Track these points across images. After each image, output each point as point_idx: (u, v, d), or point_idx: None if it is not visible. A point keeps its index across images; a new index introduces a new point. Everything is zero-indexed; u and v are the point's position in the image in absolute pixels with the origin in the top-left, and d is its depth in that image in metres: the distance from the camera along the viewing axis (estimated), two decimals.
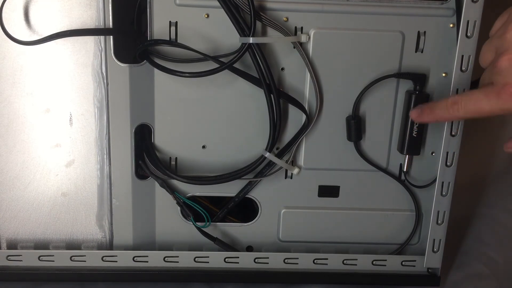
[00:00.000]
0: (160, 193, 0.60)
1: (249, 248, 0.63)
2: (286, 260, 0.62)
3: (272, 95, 0.55)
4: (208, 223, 0.60)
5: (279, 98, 0.55)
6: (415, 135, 0.58)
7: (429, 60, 0.57)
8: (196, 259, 0.61)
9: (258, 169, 0.59)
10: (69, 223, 0.60)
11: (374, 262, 0.62)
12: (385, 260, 0.62)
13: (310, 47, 0.55)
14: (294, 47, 0.55)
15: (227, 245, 0.61)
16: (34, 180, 0.59)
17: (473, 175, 0.85)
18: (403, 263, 0.63)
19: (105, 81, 0.56)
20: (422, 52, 0.56)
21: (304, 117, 0.58)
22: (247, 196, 0.61)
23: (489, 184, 0.84)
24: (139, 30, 0.57)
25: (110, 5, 0.53)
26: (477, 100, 0.48)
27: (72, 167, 0.58)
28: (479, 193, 0.83)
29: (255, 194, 0.61)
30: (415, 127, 0.57)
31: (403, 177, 0.61)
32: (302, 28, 0.55)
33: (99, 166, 0.59)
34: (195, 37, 0.55)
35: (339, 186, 0.61)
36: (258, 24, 0.54)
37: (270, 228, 0.62)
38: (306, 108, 0.58)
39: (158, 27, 0.54)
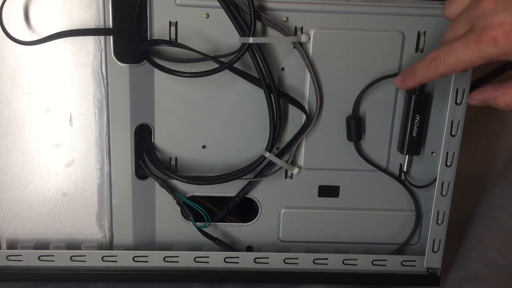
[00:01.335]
0: (160, 193, 0.60)
1: (249, 248, 0.63)
2: (286, 260, 0.62)
3: (272, 95, 0.55)
4: (208, 223, 0.60)
5: (279, 98, 0.55)
6: (415, 135, 0.58)
7: None
8: (196, 259, 0.61)
9: (258, 169, 0.59)
10: (69, 223, 0.60)
11: (374, 262, 0.62)
12: (385, 260, 0.62)
13: (310, 47, 0.55)
14: (294, 47, 0.55)
15: (227, 245, 0.61)
16: (34, 180, 0.59)
17: (473, 175, 0.85)
18: (403, 263, 0.63)
19: (105, 81, 0.56)
20: (422, 52, 0.56)
21: (304, 117, 0.58)
22: (247, 196, 0.61)
23: (489, 184, 0.84)
24: (139, 30, 0.57)
25: (110, 5, 0.53)
26: (456, 50, 0.45)
27: (72, 167, 0.59)
28: (479, 193, 0.83)
29: (255, 194, 0.61)
30: (415, 127, 0.57)
31: (403, 177, 0.61)
32: (302, 28, 0.55)
33: (99, 166, 0.59)
34: (195, 37, 0.55)
35: (339, 186, 0.61)
36: (258, 24, 0.54)
37: (270, 228, 0.62)
38: (306, 108, 0.58)
39: (158, 27, 0.54)
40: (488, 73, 0.63)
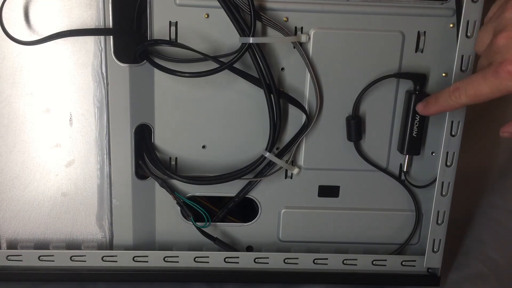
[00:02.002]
0: (160, 193, 0.60)
1: (249, 248, 0.63)
2: (286, 260, 0.62)
3: (272, 95, 0.55)
4: (208, 223, 0.60)
5: (279, 98, 0.55)
6: (415, 135, 0.58)
7: (429, 60, 0.57)
8: (196, 259, 0.61)
9: (258, 169, 0.59)
10: (69, 223, 0.60)
11: (374, 262, 0.62)
12: (385, 260, 0.62)
13: (310, 47, 0.55)
14: (294, 47, 0.55)
15: (227, 245, 0.61)
16: (34, 180, 0.59)
17: (473, 175, 0.85)
18: (403, 263, 0.63)
19: (105, 81, 0.56)
20: (422, 52, 0.56)
21: (304, 117, 0.58)
22: (247, 196, 0.61)
23: (489, 184, 0.85)
24: (139, 30, 0.57)
25: (110, 5, 0.53)
26: (476, 83, 0.47)
27: (72, 167, 0.59)
28: (479, 193, 0.83)
29: (255, 194, 0.61)
30: (415, 127, 0.57)
31: (403, 177, 0.61)
32: (302, 28, 0.55)
33: (99, 166, 0.59)
34: (195, 37, 0.55)
35: (339, 186, 0.61)
36: (258, 24, 0.54)
37: (270, 228, 0.62)
38: (306, 108, 0.58)
39: (158, 27, 0.54)
40: None
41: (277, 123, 0.56)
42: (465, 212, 0.78)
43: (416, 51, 0.56)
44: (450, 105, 0.51)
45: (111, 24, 0.54)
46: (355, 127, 0.58)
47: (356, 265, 0.62)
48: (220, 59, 0.53)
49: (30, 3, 0.53)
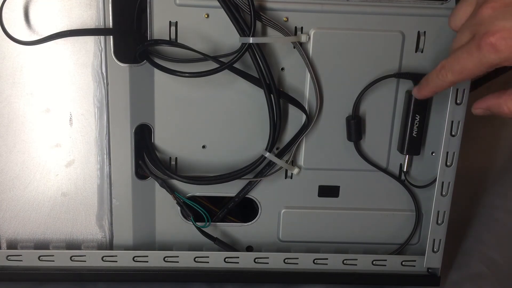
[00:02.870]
0: (160, 193, 0.60)
1: (249, 248, 0.63)
2: (286, 260, 0.62)
3: (272, 95, 0.55)
4: (208, 223, 0.60)
5: (279, 98, 0.55)
6: (415, 135, 0.58)
7: (429, 60, 0.57)
8: (196, 259, 0.61)
9: (258, 169, 0.59)
10: (69, 223, 0.60)
11: (374, 262, 0.62)
12: (385, 260, 0.62)
13: (310, 47, 0.55)
14: (294, 47, 0.55)
15: (227, 245, 0.61)
16: (34, 180, 0.59)
17: (473, 175, 0.85)
18: (403, 263, 0.63)
19: (105, 81, 0.56)
20: (422, 52, 0.56)
21: (304, 117, 0.58)
22: (247, 196, 0.61)
23: (489, 184, 0.85)
24: (139, 30, 0.57)
25: (110, 5, 0.53)
26: (461, 58, 0.45)
27: (72, 167, 0.59)
28: (479, 193, 0.83)
29: (255, 194, 0.61)
30: (415, 127, 0.57)
31: (403, 177, 0.61)
32: (302, 28, 0.55)
33: (99, 166, 0.59)
34: (195, 37, 0.55)
35: (339, 186, 0.61)
36: (258, 24, 0.54)
37: (270, 228, 0.62)
38: (306, 108, 0.58)
39: (158, 27, 0.54)
40: (488, 73, 0.63)
41: (277, 123, 0.56)
42: (465, 212, 0.78)
43: (416, 51, 0.56)
44: (439, 85, 0.49)
45: (111, 24, 0.54)
46: (355, 127, 0.58)
47: (356, 265, 0.62)
48: (220, 59, 0.53)
49: (30, 3, 0.53)
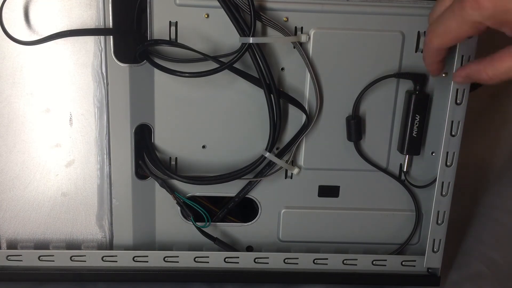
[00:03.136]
0: (160, 193, 0.60)
1: (249, 248, 0.63)
2: (286, 260, 0.62)
3: (272, 95, 0.55)
4: (208, 223, 0.60)
5: (279, 98, 0.55)
6: (415, 135, 0.58)
7: None
8: (196, 259, 0.61)
9: (258, 169, 0.59)
10: (69, 223, 0.60)
11: (374, 262, 0.62)
12: (385, 260, 0.62)
13: (310, 47, 0.55)
14: (294, 47, 0.55)
15: (227, 245, 0.61)
16: (34, 180, 0.59)
17: (473, 175, 0.85)
18: (403, 263, 0.63)
19: (105, 81, 0.56)
20: (422, 52, 0.56)
21: (304, 117, 0.58)
22: (247, 196, 0.61)
23: (489, 184, 0.85)
24: (139, 30, 0.57)
25: (110, 5, 0.53)
26: (443, 19, 0.45)
27: (72, 167, 0.59)
28: (479, 193, 0.83)
29: (255, 194, 0.61)
30: (415, 127, 0.57)
31: (403, 177, 0.61)
32: (302, 28, 0.55)
33: (99, 166, 0.59)
34: (195, 37, 0.55)
35: (339, 186, 0.61)
36: (258, 24, 0.54)
37: (270, 228, 0.62)
38: (306, 108, 0.58)
39: (158, 27, 0.54)
40: None
41: (277, 123, 0.56)
42: (465, 212, 0.78)
43: (416, 51, 0.56)
44: (429, 52, 0.49)
45: (111, 24, 0.54)
46: (355, 127, 0.58)
47: (356, 265, 0.62)
48: (220, 59, 0.53)
49: (30, 3, 0.53)
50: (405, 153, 0.59)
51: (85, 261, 0.60)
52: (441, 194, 0.60)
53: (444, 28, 0.45)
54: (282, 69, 0.56)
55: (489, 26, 0.43)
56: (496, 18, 0.42)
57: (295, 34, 0.55)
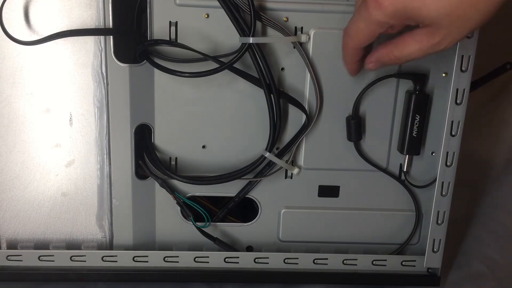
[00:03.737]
0: (160, 193, 0.60)
1: (249, 248, 0.63)
2: (286, 260, 0.62)
3: (272, 95, 0.55)
4: (208, 223, 0.60)
5: (279, 98, 0.55)
6: (415, 135, 0.58)
7: (429, 60, 0.57)
8: (196, 259, 0.61)
9: (258, 169, 0.59)
10: (69, 223, 0.60)
11: (374, 262, 0.62)
12: (385, 260, 0.62)
13: (310, 47, 0.55)
14: (294, 47, 0.55)
15: (227, 245, 0.61)
16: (34, 180, 0.59)
17: (474, 175, 0.85)
18: (403, 263, 0.63)
19: (105, 81, 0.56)
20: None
21: (304, 117, 0.58)
22: (247, 196, 0.61)
23: (489, 184, 0.85)
24: (139, 30, 0.57)
25: (110, 5, 0.53)
26: (353, 21, 0.47)
27: (72, 167, 0.59)
28: (479, 193, 0.83)
29: (255, 194, 0.61)
30: (415, 127, 0.57)
31: (403, 177, 0.61)
32: (302, 28, 0.55)
33: (99, 166, 0.59)
34: (195, 37, 0.55)
35: (339, 186, 0.61)
36: (258, 24, 0.54)
37: (270, 228, 0.62)
38: (306, 108, 0.58)
39: (158, 27, 0.54)
40: (488, 73, 0.63)
41: (277, 123, 0.56)
42: (465, 212, 0.78)
43: None
44: (347, 54, 0.51)
45: (111, 24, 0.54)
46: (355, 127, 0.58)
47: (356, 265, 0.62)
48: (220, 59, 0.53)
49: (30, 3, 0.53)
50: (405, 153, 0.59)
51: (85, 261, 0.60)
52: (441, 194, 0.60)
53: (355, 29, 0.47)
54: (282, 69, 0.56)
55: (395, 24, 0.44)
56: (398, 16, 0.43)
57: (295, 34, 0.55)
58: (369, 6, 0.44)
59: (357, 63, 0.52)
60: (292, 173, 0.60)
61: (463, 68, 0.55)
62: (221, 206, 0.62)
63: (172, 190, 0.59)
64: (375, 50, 0.49)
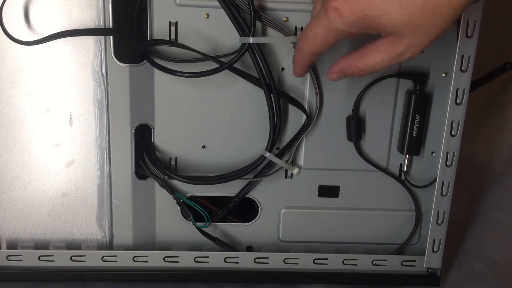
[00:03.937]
0: (160, 193, 0.60)
1: (249, 248, 0.63)
2: (286, 260, 0.62)
3: (272, 95, 0.55)
4: (208, 223, 0.60)
5: (279, 98, 0.55)
6: (415, 135, 0.58)
7: (429, 60, 0.57)
8: (196, 259, 0.61)
9: (258, 169, 0.59)
10: (69, 223, 0.60)
11: (374, 262, 0.62)
12: (385, 260, 0.62)
13: None
14: (294, 47, 0.55)
15: (227, 245, 0.61)
16: (34, 180, 0.59)
17: (474, 175, 0.85)
18: (403, 263, 0.63)
19: (105, 81, 0.56)
20: (422, 52, 0.56)
21: (304, 117, 0.58)
22: (247, 196, 0.61)
23: (490, 184, 0.85)
24: (139, 30, 0.57)
25: (110, 5, 0.53)
26: (312, 26, 0.45)
27: (72, 167, 0.59)
28: (479, 193, 0.83)
29: (255, 194, 0.61)
30: (415, 127, 0.57)
31: (403, 177, 0.61)
32: (302, 28, 0.55)
33: (99, 166, 0.59)
34: (195, 37, 0.55)
35: (339, 186, 0.61)
36: (258, 24, 0.54)
37: (270, 228, 0.62)
38: (306, 108, 0.58)
39: (158, 27, 0.54)
40: (488, 73, 0.63)
41: (277, 123, 0.56)
42: (465, 212, 0.78)
43: None
44: (301, 57, 0.49)
45: (111, 24, 0.54)
46: (355, 127, 0.58)
47: (356, 265, 0.62)
48: (220, 59, 0.53)
49: (30, 3, 0.53)
50: (405, 153, 0.59)
51: (85, 261, 0.60)
52: (441, 194, 0.60)
53: (313, 35, 0.46)
54: (282, 69, 0.56)
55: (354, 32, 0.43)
56: (359, 25, 0.42)
57: (295, 34, 0.55)
58: (329, 13, 0.43)
59: (307, 67, 0.51)
60: (292, 173, 0.60)
61: (463, 68, 0.55)
62: (221, 206, 0.62)
63: (172, 190, 0.59)
64: (338, 61, 0.48)
